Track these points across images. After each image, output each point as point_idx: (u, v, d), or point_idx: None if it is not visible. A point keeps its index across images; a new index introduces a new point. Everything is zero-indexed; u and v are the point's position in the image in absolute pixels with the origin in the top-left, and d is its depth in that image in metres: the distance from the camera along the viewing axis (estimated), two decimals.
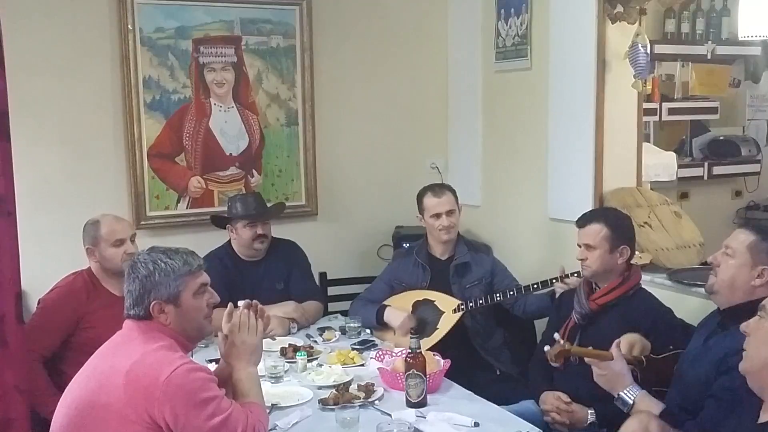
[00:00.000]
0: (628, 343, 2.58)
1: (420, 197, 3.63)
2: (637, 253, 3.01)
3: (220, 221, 3.76)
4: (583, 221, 2.94)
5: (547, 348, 2.57)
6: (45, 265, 3.67)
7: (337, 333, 3.45)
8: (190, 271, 2.16)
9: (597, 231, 2.86)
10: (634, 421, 2.28)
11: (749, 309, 2.22)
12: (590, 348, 2.52)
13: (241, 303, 2.35)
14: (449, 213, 3.53)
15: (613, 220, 2.90)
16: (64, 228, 3.79)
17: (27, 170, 3.34)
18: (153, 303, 2.10)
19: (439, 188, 3.65)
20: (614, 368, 2.41)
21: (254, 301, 2.35)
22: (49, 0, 3.71)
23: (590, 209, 3.28)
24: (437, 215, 3.53)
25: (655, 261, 3.28)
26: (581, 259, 2.90)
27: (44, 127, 3.74)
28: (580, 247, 2.92)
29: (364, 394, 2.66)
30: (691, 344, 2.48)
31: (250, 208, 3.66)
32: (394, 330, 3.47)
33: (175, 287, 2.12)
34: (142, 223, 3.97)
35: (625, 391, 2.39)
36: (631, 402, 2.36)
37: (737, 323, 2.25)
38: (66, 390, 2.12)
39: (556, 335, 2.63)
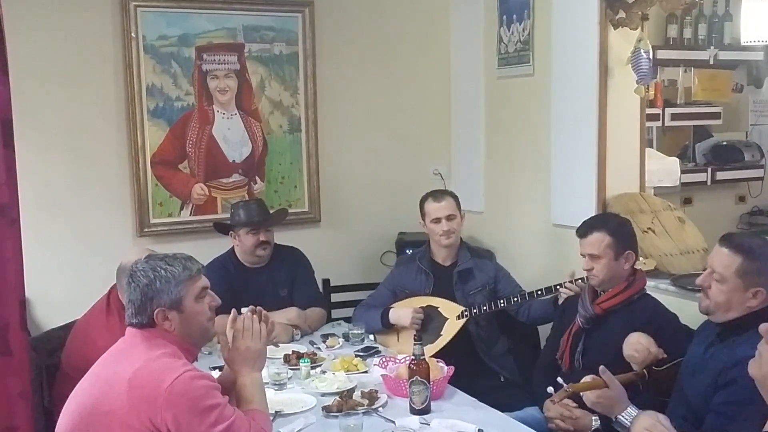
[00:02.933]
0: (646, 344, 2.57)
1: (422, 203, 3.64)
2: (641, 259, 3.00)
3: (222, 228, 3.76)
4: (584, 230, 2.91)
5: (551, 389, 2.54)
6: (48, 273, 3.69)
7: (341, 340, 3.45)
8: (190, 275, 2.16)
9: (600, 240, 2.84)
10: (645, 416, 2.27)
11: (747, 322, 2.21)
12: (584, 380, 2.48)
13: (244, 310, 2.35)
14: (449, 218, 3.54)
15: (614, 227, 2.88)
16: (68, 235, 3.81)
17: (30, 178, 3.36)
18: (156, 311, 2.10)
19: (440, 194, 3.66)
20: (609, 394, 2.39)
21: (258, 307, 2.35)
22: (52, 8, 3.72)
23: (588, 217, 3.16)
24: (437, 220, 3.54)
25: (658, 266, 3.27)
26: (587, 270, 2.88)
27: (48, 135, 3.75)
28: (583, 256, 2.89)
29: (367, 401, 2.66)
30: (690, 353, 2.46)
31: (253, 215, 3.66)
32: (397, 336, 3.48)
33: (177, 293, 2.12)
34: (146, 230, 3.98)
35: (622, 415, 2.37)
36: (629, 424, 2.35)
37: (735, 335, 2.25)
38: (69, 397, 2.12)
39: (559, 379, 2.59)
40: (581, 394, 2.46)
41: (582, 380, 2.49)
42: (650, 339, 2.60)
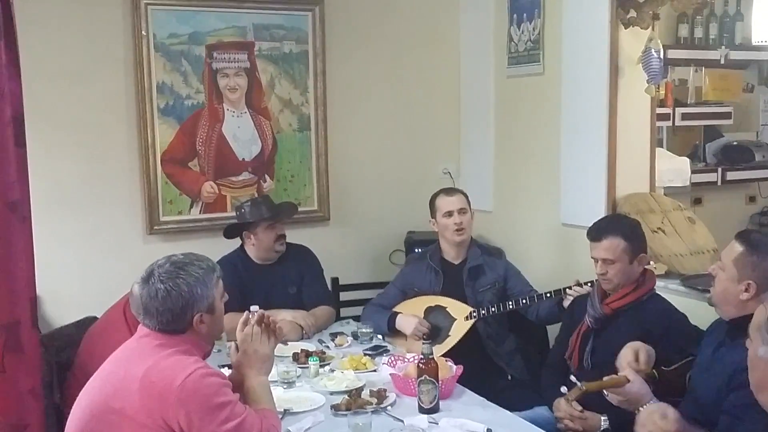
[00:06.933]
0: (633, 351, 2.55)
1: (432, 199, 3.66)
2: (652, 263, 2.98)
3: (235, 231, 3.73)
4: (596, 234, 2.88)
5: (564, 389, 2.52)
6: (59, 270, 3.70)
7: (350, 338, 3.45)
8: (218, 277, 2.19)
9: (615, 245, 2.81)
10: (653, 406, 2.26)
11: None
12: (604, 379, 2.44)
13: (254, 308, 2.36)
14: (461, 211, 3.54)
15: (628, 230, 2.85)
16: (78, 232, 3.83)
17: (42, 175, 3.37)
18: (196, 316, 2.11)
19: (451, 189, 3.72)
20: (633, 390, 2.36)
21: (265, 313, 2.35)
22: (64, 6, 3.73)
23: (598, 220, 3.07)
24: (449, 213, 3.54)
25: (668, 267, 3.26)
26: (601, 274, 2.85)
27: (59, 133, 3.76)
28: (595, 260, 2.87)
29: (376, 400, 2.66)
30: (701, 353, 2.45)
31: (272, 209, 3.66)
32: (406, 336, 3.47)
33: (211, 296, 2.15)
34: (155, 228, 3.99)
35: (645, 407, 2.37)
36: None
37: (743, 335, 2.24)
38: (81, 393, 2.13)
39: (573, 378, 2.58)
40: (604, 391, 2.44)
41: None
42: (637, 351, 2.57)
